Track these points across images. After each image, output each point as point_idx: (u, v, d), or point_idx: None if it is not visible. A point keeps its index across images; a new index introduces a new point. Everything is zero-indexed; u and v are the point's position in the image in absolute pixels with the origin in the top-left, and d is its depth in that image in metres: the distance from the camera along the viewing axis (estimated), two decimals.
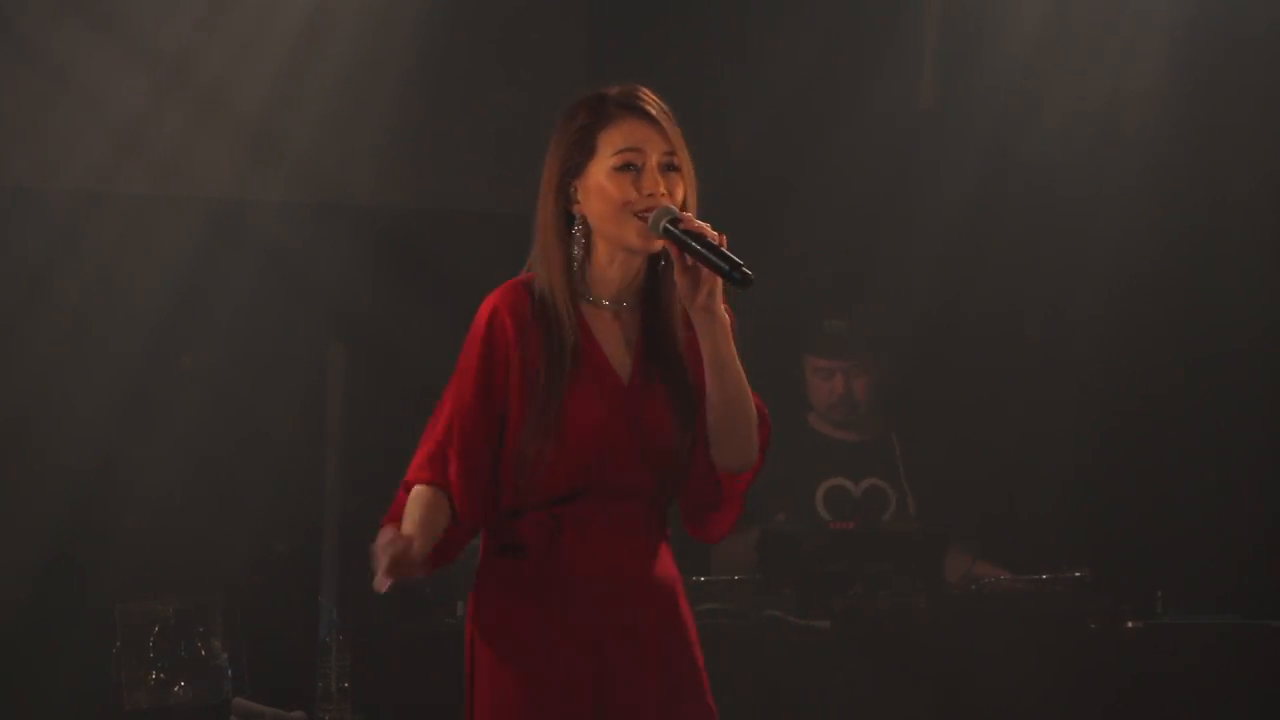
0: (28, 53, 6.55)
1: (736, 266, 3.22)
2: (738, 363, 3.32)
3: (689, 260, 3.27)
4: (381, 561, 3.20)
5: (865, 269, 6.90)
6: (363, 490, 6.86)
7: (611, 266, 3.38)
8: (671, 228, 3.28)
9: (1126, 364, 6.74)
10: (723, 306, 3.30)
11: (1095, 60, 6.79)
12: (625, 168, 3.32)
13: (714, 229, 3.28)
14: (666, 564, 3.43)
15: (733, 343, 3.31)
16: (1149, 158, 6.64)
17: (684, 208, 3.35)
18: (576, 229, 3.37)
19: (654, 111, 3.36)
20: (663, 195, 3.32)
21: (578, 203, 3.36)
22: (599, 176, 3.33)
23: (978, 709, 5.55)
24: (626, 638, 3.33)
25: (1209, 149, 6.65)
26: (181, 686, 5.87)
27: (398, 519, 3.32)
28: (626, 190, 3.32)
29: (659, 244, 3.33)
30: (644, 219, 3.31)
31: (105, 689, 5.91)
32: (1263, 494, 6.43)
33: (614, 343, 3.38)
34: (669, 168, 3.35)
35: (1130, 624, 5.74)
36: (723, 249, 3.25)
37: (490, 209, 7.12)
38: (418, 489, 3.33)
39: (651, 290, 3.41)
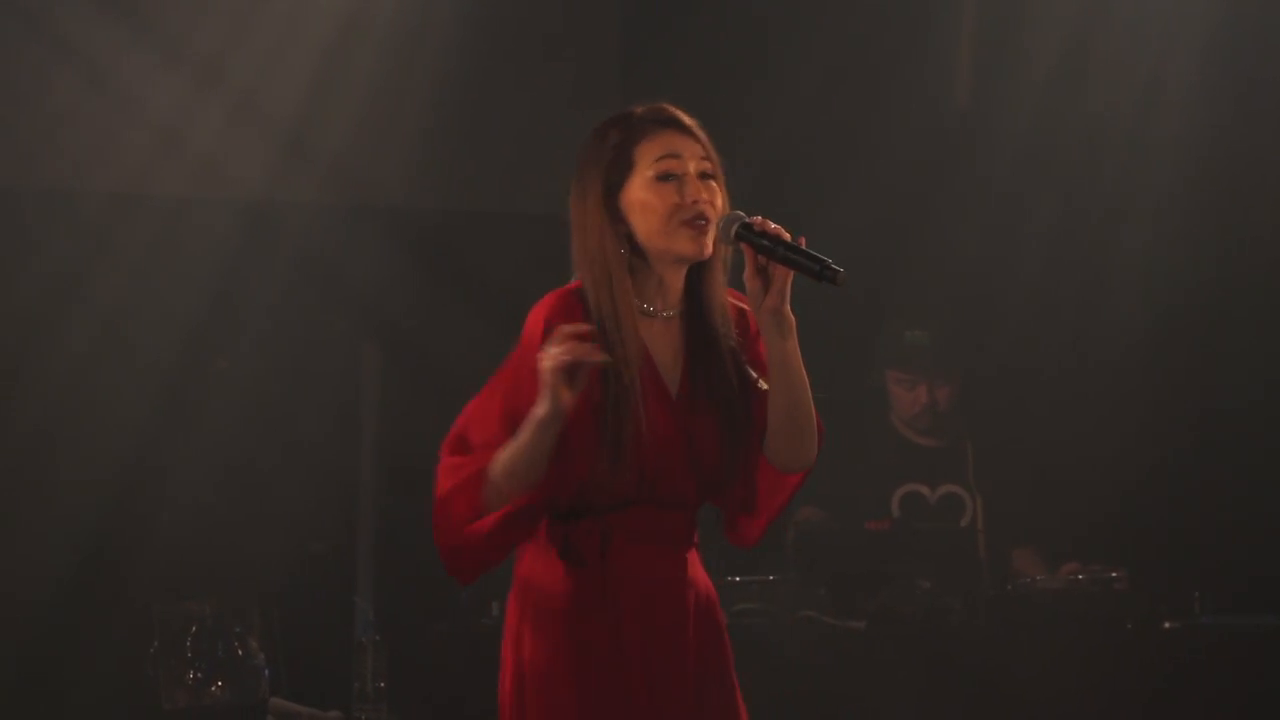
0: (62, 54, 6.57)
1: (826, 265, 3.17)
2: (801, 364, 3.29)
3: (761, 262, 3.23)
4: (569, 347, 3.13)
5: (898, 271, 6.87)
6: (397, 491, 6.89)
7: (659, 278, 3.34)
8: (748, 233, 3.24)
9: (1163, 364, 6.71)
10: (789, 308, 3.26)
11: (1131, 58, 6.76)
12: (666, 177, 3.29)
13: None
14: (700, 572, 3.42)
15: (798, 344, 3.28)
16: (1186, 158, 6.60)
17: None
18: (623, 247, 3.32)
19: (686, 122, 3.33)
20: (705, 202, 3.29)
21: (623, 220, 3.32)
22: (640, 191, 3.30)
23: (1012, 710, 5.53)
24: (671, 645, 3.32)
25: (1247, 149, 6.61)
26: (219, 686, 5.89)
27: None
28: (670, 199, 3.28)
29: (710, 251, 3.30)
30: (696, 226, 3.28)
31: (142, 688, 5.93)
32: None
33: (664, 352, 3.35)
34: (706, 175, 3.31)
35: (1168, 625, 5.72)
36: (806, 248, 3.21)
37: (524, 210, 7.13)
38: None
39: (692, 298, 3.37)
